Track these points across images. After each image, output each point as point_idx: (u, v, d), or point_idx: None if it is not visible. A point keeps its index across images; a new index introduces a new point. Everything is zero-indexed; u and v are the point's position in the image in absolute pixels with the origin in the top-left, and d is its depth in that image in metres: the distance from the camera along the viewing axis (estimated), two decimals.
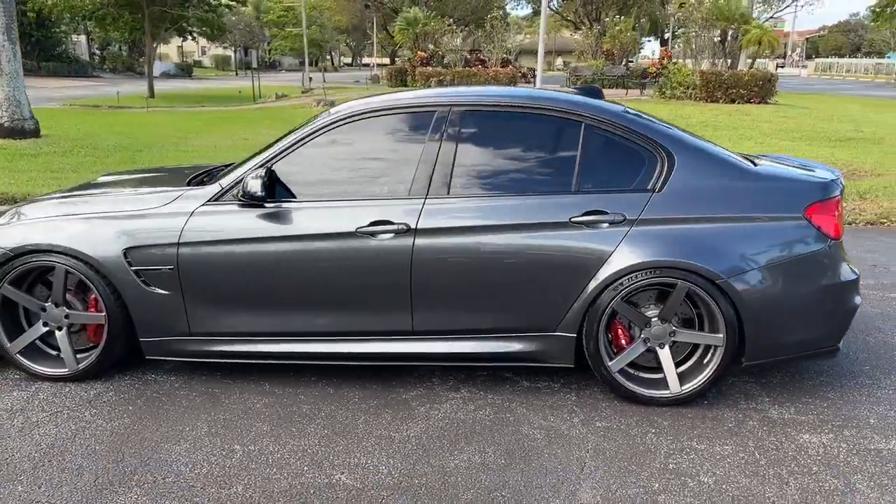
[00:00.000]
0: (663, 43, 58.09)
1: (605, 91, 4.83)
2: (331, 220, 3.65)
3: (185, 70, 53.29)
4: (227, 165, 4.49)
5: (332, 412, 3.56)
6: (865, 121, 18.28)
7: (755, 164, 3.80)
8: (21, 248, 3.71)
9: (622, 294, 3.53)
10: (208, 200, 3.72)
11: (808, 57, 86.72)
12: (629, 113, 3.80)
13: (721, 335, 3.55)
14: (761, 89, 20.83)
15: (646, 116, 3.90)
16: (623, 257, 3.51)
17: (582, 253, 3.55)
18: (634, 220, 3.54)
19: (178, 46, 65.29)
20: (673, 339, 3.63)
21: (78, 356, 3.85)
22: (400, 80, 30.07)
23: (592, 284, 3.54)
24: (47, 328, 3.86)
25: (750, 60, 23.73)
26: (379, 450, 3.22)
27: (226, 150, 12.94)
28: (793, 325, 3.60)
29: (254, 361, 3.84)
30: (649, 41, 61.32)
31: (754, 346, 3.57)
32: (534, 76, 20.81)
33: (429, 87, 20.01)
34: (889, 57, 72.54)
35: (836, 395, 3.79)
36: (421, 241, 3.58)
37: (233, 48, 62.93)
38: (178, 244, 3.67)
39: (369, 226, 3.59)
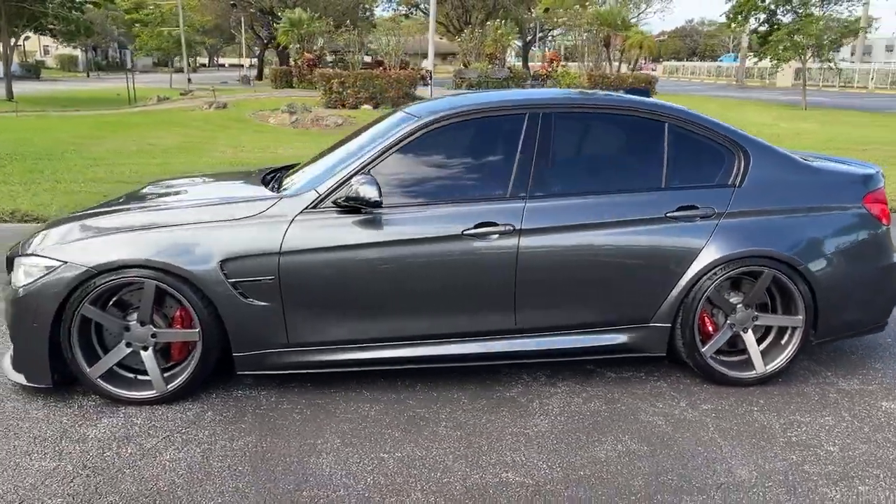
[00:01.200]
0: (526, 46, 60.11)
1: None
2: (435, 224, 3.66)
3: (32, 71, 49.42)
4: (287, 167, 4.40)
5: (449, 414, 3.58)
6: (730, 120, 19.85)
7: (811, 161, 4.16)
8: (106, 265, 3.46)
9: (717, 283, 3.77)
10: (306, 207, 3.63)
11: (655, 60, 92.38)
12: (701, 114, 4.05)
13: (801, 317, 3.87)
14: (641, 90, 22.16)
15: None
16: (716, 248, 3.75)
17: (677, 246, 3.76)
18: (722, 213, 3.79)
19: (16, 45, 60.51)
20: (755, 322, 3.91)
21: (165, 376, 3.63)
22: (285, 81, 29.49)
23: (688, 275, 3.76)
24: (130, 349, 3.61)
25: (631, 63, 25.21)
26: (524, 447, 3.28)
27: (136, 155, 12.31)
28: (855, 305, 3.98)
29: (355, 370, 3.77)
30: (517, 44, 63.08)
31: (825, 325, 3.93)
32: (431, 78, 21.05)
33: (330, 88, 19.79)
34: (722, 60, 78.64)
35: (883, 365, 4.21)
36: (525, 241, 3.66)
37: (83, 48, 58.94)
38: (280, 253, 3.55)
39: (475, 228, 3.64)
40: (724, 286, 3.85)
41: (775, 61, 28.23)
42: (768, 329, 4.02)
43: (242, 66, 60.06)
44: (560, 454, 3.22)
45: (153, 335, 3.60)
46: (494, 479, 3.02)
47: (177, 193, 4.24)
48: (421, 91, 21.15)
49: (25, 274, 3.56)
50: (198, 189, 4.40)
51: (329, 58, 29.73)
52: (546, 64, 25.19)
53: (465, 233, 3.64)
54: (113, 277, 3.48)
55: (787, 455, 3.23)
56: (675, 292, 3.79)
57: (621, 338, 3.86)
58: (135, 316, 3.60)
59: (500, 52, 29.14)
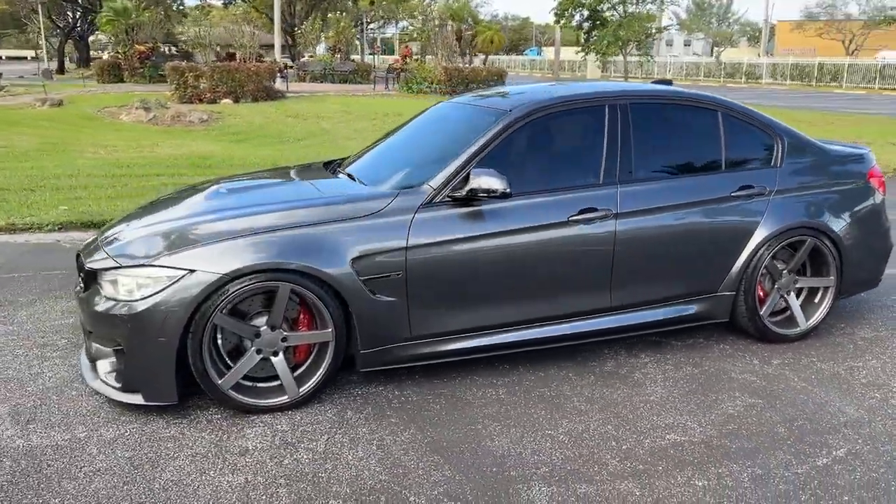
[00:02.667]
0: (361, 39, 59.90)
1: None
2: (544, 212, 3.86)
3: None
4: (342, 160, 4.45)
5: (573, 391, 3.81)
6: None
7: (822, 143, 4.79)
8: (239, 270, 3.34)
9: (773, 253, 4.29)
10: (425, 201, 3.69)
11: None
12: (742, 104, 4.55)
13: (832, 277, 4.49)
14: (496, 83, 23.09)
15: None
16: (770, 223, 4.27)
17: (740, 222, 4.24)
18: (772, 191, 4.32)
19: None
20: (796, 285, 4.48)
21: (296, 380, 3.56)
22: (114, 75, 27.40)
23: (749, 248, 4.25)
24: (261, 356, 3.50)
25: (483, 57, 26.11)
26: (662, 412, 3.59)
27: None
28: (865, 265, 4.67)
29: (471, 357, 3.89)
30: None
31: (846, 284, 4.58)
32: (287, 70, 20.60)
33: (184, 82, 18.80)
34: (527, 54, 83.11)
35: (875, 315, 4.96)
36: (621, 224, 3.97)
37: None
38: (406, 248, 3.60)
39: (579, 214, 3.89)
40: (776, 255, 4.37)
41: (601, 55, 30.46)
42: (800, 290, 4.60)
43: (26, 57, 54.56)
44: (698, 414, 3.56)
45: (283, 339, 3.51)
46: (663, 441, 3.30)
47: (263, 194, 4.10)
48: (278, 85, 20.66)
49: (139, 286, 3.34)
50: (285, 188, 4.27)
51: (164, 49, 28.07)
52: (400, 58, 25.43)
53: (570, 219, 3.87)
54: (246, 283, 3.35)
55: (871, 393, 3.79)
56: (738, 264, 4.26)
57: (693, 308, 4.28)
58: (260, 321, 3.48)
59: (343, 44, 28.99)
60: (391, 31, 67.21)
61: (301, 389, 3.54)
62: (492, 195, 3.64)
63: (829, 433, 3.38)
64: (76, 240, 6.65)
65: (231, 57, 23.20)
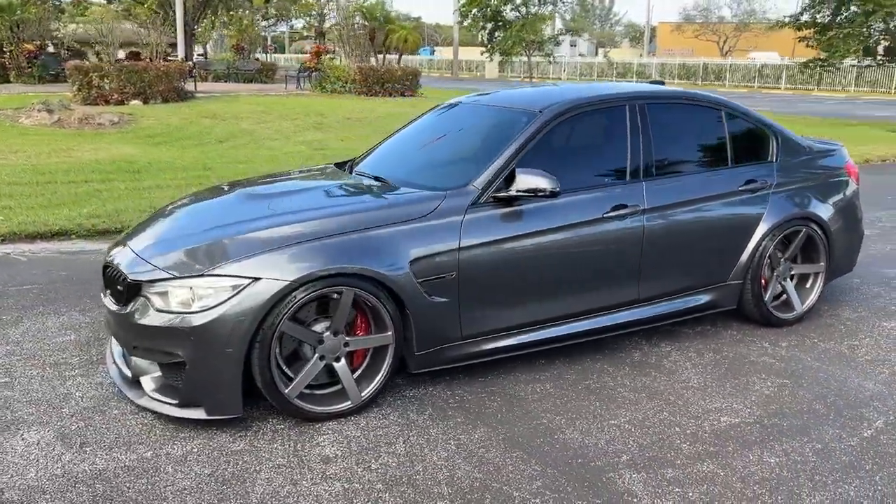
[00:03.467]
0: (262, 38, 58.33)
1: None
2: (580, 209, 3.99)
3: None
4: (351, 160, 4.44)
5: (615, 381, 3.95)
6: None
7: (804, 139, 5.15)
8: (306, 277, 3.28)
9: (776, 243, 4.59)
10: (472, 202, 3.74)
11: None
12: (739, 104, 4.83)
13: (823, 264, 4.85)
14: (411, 83, 23.14)
15: None
16: (773, 215, 4.57)
17: (748, 214, 4.52)
18: (772, 185, 4.62)
19: None
20: (791, 272, 4.81)
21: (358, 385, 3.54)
22: None
23: (755, 238, 4.53)
24: (324, 362, 3.46)
25: (396, 56, 26.01)
26: (707, 396, 3.78)
27: None
28: (846, 251, 5.07)
29: (515, 354, 3.96)
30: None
31: (832, 269, 4.95)
32: (196, 70, 19.93)
33: (89, 83, 17.84)
34: (420, 53, 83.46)
35: (849, 297, 5.38)
36: (648, 219, 4.16)
37: None
38: (459, 249, 3.65)
39: (612, 210, 4.05)
40: (778, 245, 4.67)
41: (505, 55, 31.05)
42: (794, 276, 4.92)
43: None
44: (738, 397, 3.77)
45: (346, 344, 3.48)
46: (719, 423, 3.50)
47: (302, 199, 4.02)
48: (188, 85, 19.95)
49: (199, 297, 3.23)
50: (319, 192, 4.19)
51: (51, 48, 26.47)
52: (313, 56, 25.04)
53: (604, 215, 4.01)
54: (312, 289, 3.31)
55: (879, 369, 4.13)
56: (745, 254, 4.53)
57: (706, 297, 4.52)
58: (319, 328, 3.44)
59: (247, 42, 28.21)
60: (282, 29, 66.03)
61: (363, 394, 3.51)
62: (540, 194, 3.72)
63: (861, 407, 3.66)
64: (31, 253, 6.27)
65: (136, 56, 22.18)
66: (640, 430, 3.42)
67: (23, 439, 3.24)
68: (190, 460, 3.10)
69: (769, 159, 4.71)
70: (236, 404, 3.28)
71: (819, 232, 4.76)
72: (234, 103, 19.66)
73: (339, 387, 3.52)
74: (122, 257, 3.63)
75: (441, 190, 3.80)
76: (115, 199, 8.57)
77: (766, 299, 4.63)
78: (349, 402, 3.48)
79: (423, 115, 5.06)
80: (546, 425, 3.45)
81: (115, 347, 3.90)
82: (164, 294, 3.31)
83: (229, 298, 3.19)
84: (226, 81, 26.72)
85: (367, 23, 24.69)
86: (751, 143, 4.70)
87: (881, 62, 18.73)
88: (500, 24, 31.82)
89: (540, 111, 4.09)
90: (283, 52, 72.63)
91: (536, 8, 31.45)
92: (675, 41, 71.85)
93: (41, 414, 3.47)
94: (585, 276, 4.04)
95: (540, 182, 3.69)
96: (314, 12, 50.11)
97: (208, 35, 30.24)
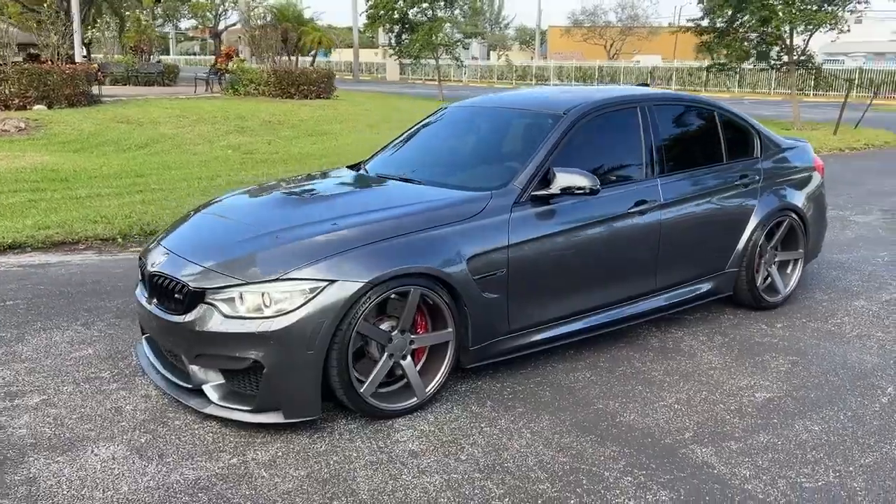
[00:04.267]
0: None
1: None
2: (610, 205, 4.21)
3: None
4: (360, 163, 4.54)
5: (648, 367, 4.19)
6: (406, 114, 21.94)
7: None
8: (379, 277, 3.35)
9: (766, 232, 4.98)
10: (516, 201, 3.90)
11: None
12: (726, 105, 5.20)
13: (802, 250, 5.30)
14: (326, 85, 22.93)
15: None
16: (762, 207, 4.96)
17: (743, 206, 4.89)
18: (760, 179, 5.01)
19: None
20: (776, 259, 5.23)
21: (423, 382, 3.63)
22: None
23: (749, 229, 4.91)
24: (392, 360, 3.53)
25: (310, 58, 25.59)
26: (733, 376, 4.08)
27: None
28: (817, 238, 5.54)
29: (555, 345, 4.15)
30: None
31: (808, 255, 5.41)
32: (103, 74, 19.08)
33: None
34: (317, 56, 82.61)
35: (815, 281, 5.87)
36: (664, 214, 4.44)
37: None
38: (508, 246, 3.80)
39: (634, 206, 4.31)
40: (766, 234, 5.06)
41: (414, 58, 31.18)
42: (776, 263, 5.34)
43: None
44: (761, 375, 4.10)
45: (411, 342, 3.56)
46: (756, 398, 3.80)
47: (348, 201, 4.05)
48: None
49: (274, 301, 3.24)
50: (365, 194, 4.22)
51: None
52: (223, 58, 24.31)
53: (629, 211, 4.26)
54: (384, 290, 3.38)
55: (868, 343, 4.56)
56: (741, 243, 4.90)
57: (707, 285, 4.85)
58: (385, 327, 3.51)
59: (146, 44, 27.12)
60: (166, 30, 63.71)
61: (427, 390, 3.61)
62: (580, 192, 3.92)
63: (869, 377, 4.06)
64: None
65: (34, 58, 20.92)
66: (689, 408, 3.67)
67: (95, 454, 3.15)
68: (279, 464, 3.10)
69: (755, 156, 5.10)
70: (315, 406, 3.31)
71: (798, 221, 5.19)
72: (146, 107, 18.94)
73: (400, 384, 3.59)
74: (173, 265, 3.56)
75: (482, 190, 3.93)
76: (56, 209, 8.20)
77: (758, 284, 5.01)
78: (415, 399, 3.57)
79: (428, 119, 5.16)
80: (603, 410, 3.65)
81: (153, 358, 3.83)
82: (231, 300, 3.29)
83: (308, 301, 3.22)
84: (124, 84, 25.63)
85: (279, 24, 24.24)
86: (740, 141, 5.08)
87: (775, 66, 20.07)
88: (407, 26, 31.95)
89: (564, 113, 4.28)
90: (169, 54, 70.04)
91: (441, 11, 31.69)
92: (564, 44, 74.05)
93: (100, 429, 3.37)
94: (614, 269, 4.27)
95: (580, 180, 3.88)
96: (208, 13, 48.64)
97: (99, 36, 28.80)
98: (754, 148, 5.12)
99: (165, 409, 3.57)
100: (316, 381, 3.27)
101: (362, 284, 3.29)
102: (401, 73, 55.67)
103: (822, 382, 3.99)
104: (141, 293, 3.86)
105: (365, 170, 4.77)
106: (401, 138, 5.09)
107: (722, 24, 19.13)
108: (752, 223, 4.91)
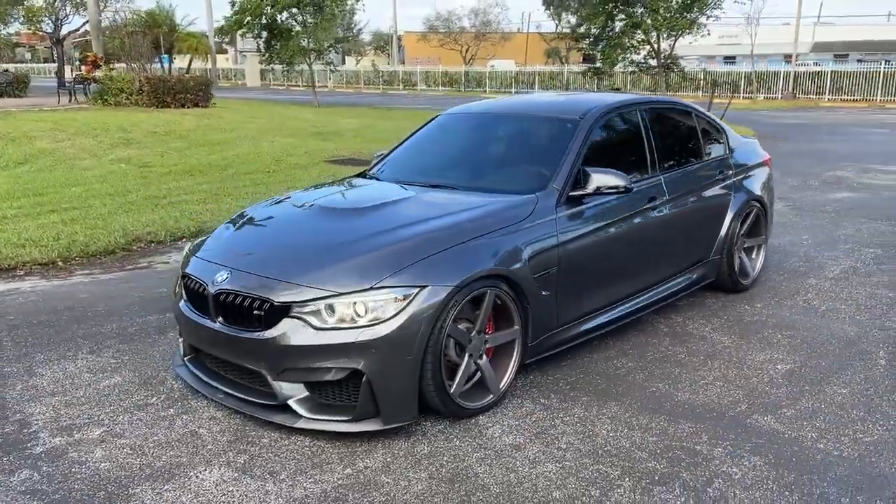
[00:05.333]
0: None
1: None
2: (630, 203, 4.51)
3: None
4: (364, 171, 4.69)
5: (670, 350, 4.52)
6: (290, 121, 21.67)
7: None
8: (465, 280, 3.45)
9: (740, 221, 5.49)
10: (557, 202, 4.12)
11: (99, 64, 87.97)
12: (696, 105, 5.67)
13: (764, 236, 5.86)
14: (204, 93, 22.10)
15: None
16: (737, 198, 5.47)
17: (723, 198, 5.37)
18: (732, 174, 5.52)
19: None
20: (745, 245, 5.76)
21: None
22: None
23: (728, 219, 5.40)
24: (471, 360, 3.65)
25: (186, 66, 24.41)
26: (751, 353, 4.50)
27: None
28: (770, 221, 6.15)
29: (593, 335, 4.40)
30: None
31: (766, 240, 6.00)
32: None
33: None
34: (163, 61, 79.18)
35: (768, 263, 6.49)
36: (669, 208, 4.82)
37: None
38: (558, 245, 4.02)
39: (648, 202, 4.65)
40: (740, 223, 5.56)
41: (286, 64, 30.73)
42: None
43: None
44: (772, 349, 4.52)
45: (486, 341, 3.69)
46: (779, 369, 4.21)
47: (398, 210, 4.08)
48: None
49: (369, 309, 3.29)
50: (410, 203, 4.21)
51: None
52: (90, 66, 22.77)
53: (645, 206, 4.59)
54: (468, 292, 3.50)
55: (841, 316, 5.13)
56: (722, 232, 5.37)
57: (698, 273, 5.28)
58: (463, 328, 3.62)
59: None
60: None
61: (502, 387, 3.75)
62: (614, 190, 4.18)
63: (858, 345, 4.59)
64: None
65: None
66: (730, 384, 4.02)
67: (201, 479, 3.06)
68: (395, 469, 3.15)
69: (726, 152, 5.59)
70: (413, 410, 3.37)
71: (762, 210, 5.75)
72: (11, 121, 17.56)
73: (469, 384, 3.69)
74: (245, 281, 3.50)
75: (520, 194, 4.11)
76: None
77: (736, 270, 5.50)
78: (492, 396, 3.70)
79: (429, 127, 5.26)
80: (659, 391, 3.93)
81: (208, 378, 3.74)
82: (318, 312, 3.29)
83: (405, 308, 3.28)
84: None
85: (150, 29, 23.07)
86: (714, 138, 5.55)
87: (641, 68, 21.51)
88: (276, 32, 31.44)
89: (580, 117, 4.54)
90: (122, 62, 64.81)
91: (312, 18, 31.39)
92: (421, 50, 75.08)
93: (189, 454, 3.27)
94: (637, 261, 4.59)
95: (614, 180, 4.15)
96: (46, 17, 45.27)
97: None
98: (724, 145, 5.61)
99: (244, 429, 3.50)
100: (414, 386, 3.33)
101: (451, 288, 3.38)
102: (262, 79, 54.45)
103: (826, 352, 4.47)
104: (190, 312, 3.75)
105: (377, 177, 4.81)
106: (407, 146, 5.16)
107: (596, 30, 20.23)
108: (730, 214, 5.38)
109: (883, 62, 34.56)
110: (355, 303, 3.28)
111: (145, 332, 4.84)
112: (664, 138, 5.03)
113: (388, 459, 3.22)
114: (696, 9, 19.98)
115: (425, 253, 3.48)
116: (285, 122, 20.42)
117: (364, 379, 3.27)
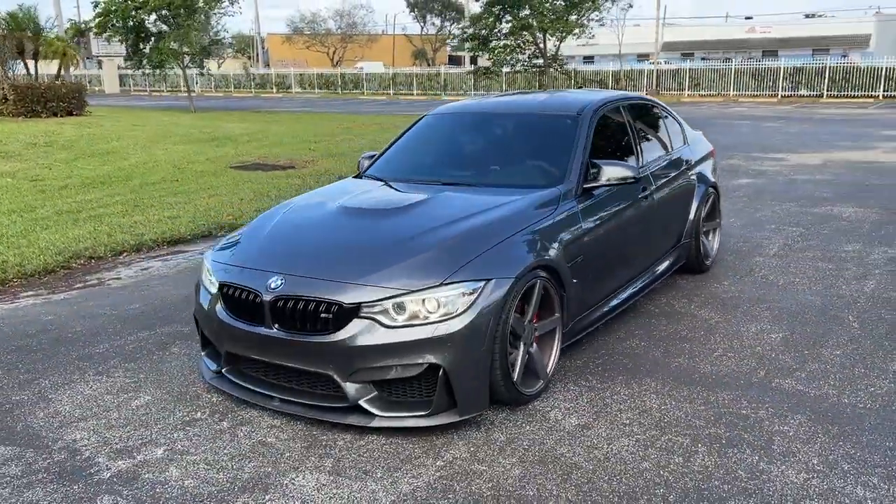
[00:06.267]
0: None
1: None
2: (630, 192, 4.79)
3: None
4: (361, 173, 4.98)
5: (670, 329, 4.82)
6: (165, 126, 20.89)
7: None
8: (521, 272, 3.60)
9: (703, 206, 5.93)
10: (576, 195, 4.33)
11: None
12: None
13: (719, 220, 6.35)
14: (78, 101, 20.82)
15: None
16: (700, 186, 5.91)
17: (690, 186, 5.79)
18: (694, 162, 5.96)
19: None
20: (705, 229, 6.21)
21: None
22: None
23: (694, 204, 5.83)
24: (525, 348, 3.79)
25: (57, 72, 22.63)
26: (749, 325, 4.90)
27: None
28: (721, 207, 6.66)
29: (606, 319, 4.64)
30: None
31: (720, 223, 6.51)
32: None
33: None
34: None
35: (731, 246, 7.01)
36: (654, 196, 5.15)
37: None
38: (583, 234, 4.25)
39: (642, 191, 4.96)
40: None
41: (156, 68, 29.51)
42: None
43: None
44: (759, 320, 4.92)
45: (534, 330, 3.85)
46: (776, 338, 4.60)
47: (432, 207, 4.12)
48: None
49: (442, 305, 3.37)
50: (445, 200, 4.23)
51: None
52: None
53: (641, 195, 4.90)
54: (523, 284, 3.64)
55: (799, 289, 5.64)
56: (691, 217, 5.78)
57: (672, 257, 5.66)
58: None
59: None
60: None
61: (548, 372, 3.91)
62: (623, 181, 4.44)
63: (829, 311, 5.09)
64: None
65: None
66: (740, 354, 4.37)
67: (298, 485, 3.04)
68: (483, 457, 3.24)
69: (686, 143, 6.02)
70: (485, 400, 3.47)
71: (717, 196, 6.22)
72: None
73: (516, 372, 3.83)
74: (304, 285, 3.48)
75: (542, 188, 4.29)
76: None
77: (702, 252, 5.93)
78: (542, 381, 3.85)
79: (418, 127, 5.33)
80: (684, 365, 4.22)
81: (256, 387, 3.69)
82: (386, 311, 3.34)
83: (475, 301, 3.37)
84: None
85: (12, 33, 21.31)
86: (676, 131, 5.96)
87: (527, 68, 22.27)
88: (144, 36, 30.13)
89: (578, 113, 4.78)
90: None
91: (184, 20, 30.25)
92: (286, 52, 73.84)
93: (271, 464, 3.22)
94: (638, 246, 4.90)
95: (624, 171, 4.41)
96: None
97: None
98: (684, 137, 6.03)
99: (312, 433, 3.48)
100: (486, 376, 3.43)
101: (512, 280, 3.51)
102: (121, 85, 51.72)
103: (809, 319, 4.93)
104: (233, 321, 3.67)
105: (377, 178, 4.85)
106: (403, 147, 5.21)
107: (485, 32, 20.74)
108: (696, 200, 5.81)
109: (733, 59, 37.52)
110: (425, 299, 3.33)
111: (145, 348, 4.63)
112: (644, 132, 5.36)
113: (473, 449, 3.30)
114: (575, 12, 20.93)
115: (481, 248, 3.58)
116: (170, 129, 19.68)
117: (441, 373, 3.33)
